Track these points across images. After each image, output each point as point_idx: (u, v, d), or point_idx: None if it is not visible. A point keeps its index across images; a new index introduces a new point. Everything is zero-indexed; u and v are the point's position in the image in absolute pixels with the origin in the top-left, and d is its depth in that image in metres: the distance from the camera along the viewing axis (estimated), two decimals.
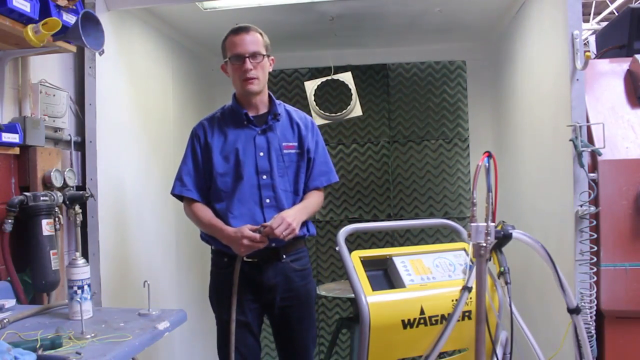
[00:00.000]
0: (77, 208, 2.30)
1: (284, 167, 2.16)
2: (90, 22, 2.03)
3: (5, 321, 1.66)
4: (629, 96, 2.21)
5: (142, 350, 1.56)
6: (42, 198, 2.07)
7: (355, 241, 3.70)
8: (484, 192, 1.57)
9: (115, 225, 2.53)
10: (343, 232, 1.89)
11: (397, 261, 1.90)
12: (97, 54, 2.26)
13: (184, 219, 2.28)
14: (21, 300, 2.00)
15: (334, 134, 3.77)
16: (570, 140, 1.99)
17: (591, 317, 1.97)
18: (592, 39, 3.14)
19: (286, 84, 3.77)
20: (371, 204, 3.74)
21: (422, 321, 1.76)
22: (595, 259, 1.99)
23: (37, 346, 1.41)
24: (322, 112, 3.39)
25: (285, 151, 2.17)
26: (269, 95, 2.23)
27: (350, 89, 3.39)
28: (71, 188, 2.30)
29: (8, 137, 1.98)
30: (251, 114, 2.18)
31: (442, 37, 3.59)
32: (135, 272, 2.66)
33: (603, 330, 2.04)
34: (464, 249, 1.99)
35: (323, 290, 3.18)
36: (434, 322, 1.77)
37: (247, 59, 2.10)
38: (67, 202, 2.25)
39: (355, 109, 3.40)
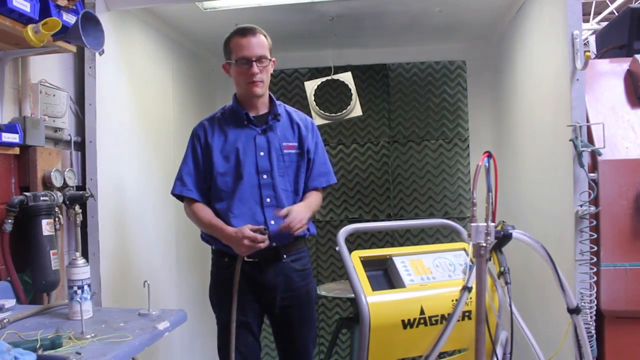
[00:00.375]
0: (77, 208, 2.30)
1: (284, 166, 2.17)
2: (90, 22, 2.03)
3: (5, 321, 1.66)
4: (629, 96, 2.21)
5: (142, 350, 1.56)
6: (42, 198, 2.07)
7: (355, 241, 3.70)
8: (484, 192, 1.57)
9: (115, 225, 2.53)
10: (343, 232, 1.89)
11: (397, 261, 1.90)
12: (97, 54, 2.26)
13: (184, 219, 2.28)
14: (21, 300, 2.00)
15: (334, 134, 3.77)
16: (570, 140, 1.99)
17: (591, 317, 1.97)
18: (592, 39, 3.14)
19: (286, 84, 3.77)
20: (371, 204, 3.74)
21: (422, 321, 1.76)
22: (595, 259, 1.99)
23: (37, 346, 1.41)
24: (322, 112, 3.39)
25: (285, 151, 2.18)
26: (269, 96, 2.24)
27: (350, 89, 3.39)
28: (71, 188, 2.29)
29: (8, 137, 1.98)
30: (252, 114, 2.18)
31: (442, 37, 3.59)
32: (135, 272, 2.66)
33: (603, 330, 2.04)
34: (464, 249, 1.99)
35: (323, 290, 3.18)
36: (434, 322, 1.77)
37: (254, 63, 2.10)
38: (67, 202, 2.25)
39: (355, 109, 3.40)
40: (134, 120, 2.75)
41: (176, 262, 3.17)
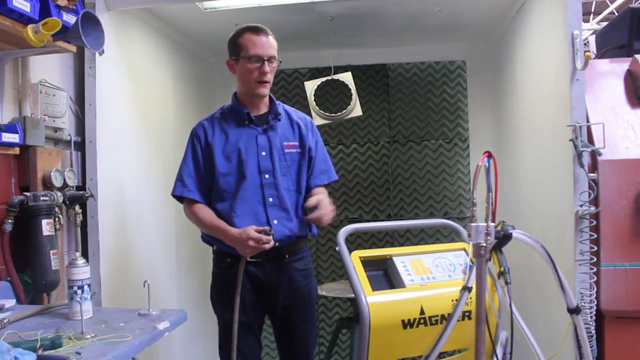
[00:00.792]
0: (77, 208, 2.30)
1: (286, 166, 2.17)
2: (90, 22, 2.03)
3: (5, 321, 1.66)
4: (629, 96, 2.21)
5: (142, 350, 1.56)
6: (42, 198, 2.07)
7: (355, 241, 3.70)
8: (484, 192, 1.57)
9: (115, 225, 2.53)
10: (343, 232, 1.89)
11: (397, 261, 1.90)
12: (97, 54, 2.26)
13: (184, 219, 2.28)
14: (21, 300, 2.00)
15: (334, 134, 3.77)
16: (570, 140, 1.99)
17: (591, 317, 1.97)
18: (592, 39, 3.14)
19: (286, 84, 3.77)
20: (371, 204, 3.74)
21: (422, 321, 1.76)
22: (595, 259, 1.99)
23: (37, 346, 1.41)
24: (322, 112, 3.39)
25: (286, 150, 2.18)
26: (269, 95, 2.23)
27: (350, 89, 3.39)
28: (71, 188, 2.29)
29: (8, 137, 1.98)
30: (252, 113, 2.18)
31: (442, 37, 3.59)
32: (135, 272, 2.66)
33: (603, 330, 2.04)
34: (464, 249, 1.99)
35: (323, 290, 3.18)
36: (434, 322, 1.77)
37: (266, 62, 2.10)
38: (67, 202, 2.25)
39: (355, 109, 3.40)
40: (134, 120, 2.75)
41: (176, 262, 3.17)
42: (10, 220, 1.98)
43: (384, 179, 3.73)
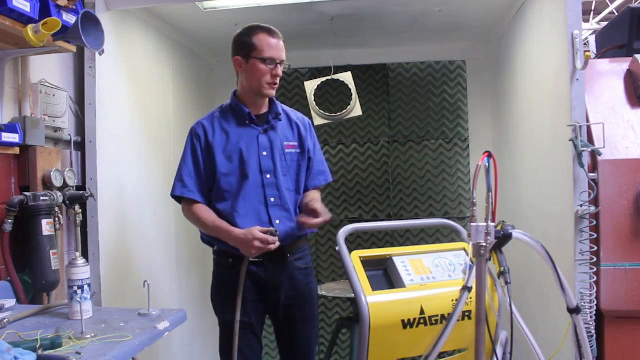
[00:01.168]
0: (77, 208, 2.30)
1: (287, 166, 2.17)
2: (90, 22, 2.03)
3: (5, 321, 1.66)
4: (629, 96, 2.21)
5: (142, 350, 1.56)
6: (42, 198, 2.07)
7: (355, 241, 3.70)
8: (484, 192, 1.57)
9: (115, 226, 2.53)
10: (343, 232, 1.89)
11: (397, 261, 1.90)
12: (97, 54, 2.26)
13: (184, 219, 2.27)
14: (21, 300, 2.00)
15: (334, 134, 3.77)
16: (570, 140, 1.99)
17: (591, 317, 1.97)
18: (592, 39, 3.14)
19: (286, 84, 3.77)
20: (371, 204, 3.74)
21: (422, 321, 1.76)
22: (595, 259, 1.99)
23: (37, 346, 1.41)
24: (322, 112, 3.39)
25: (287, 150, 2.18)
26: None
27: (350, 89, 3.39)
28: (71, 188, 2.29)
29: (8, 137, 1.98)
30: (253, 113, 2.17)
31: (442, 37, 3.59)
32: (135, 272, 2.66)
33: (603, 330, 2.04)
34: (464, 249, 1.99)
35: (323, 290, 3.18)
36: (434, 322, 1.77)
37: (279, 65, 2.10)
38: (67, 202, 2.25)
39: (355, 109, 3.40)
40: (134, 120, 2.75)
41: (176, 262, 3.17)
42: (10, 220, 1.98)
43: (384, 179, 3.73)
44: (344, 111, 3.39)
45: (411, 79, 3.73)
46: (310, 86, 3.41)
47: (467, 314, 1.80)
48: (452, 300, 1.77)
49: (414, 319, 1.75)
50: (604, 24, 4.64)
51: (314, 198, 2.19)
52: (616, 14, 5.78)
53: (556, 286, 1.68)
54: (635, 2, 6.08)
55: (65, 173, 2.27)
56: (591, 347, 1.79)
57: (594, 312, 1.98)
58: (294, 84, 3.78)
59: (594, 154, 2.02)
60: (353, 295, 1.78)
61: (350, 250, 1.86)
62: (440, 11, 3.00)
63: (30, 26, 1.81)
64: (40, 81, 2.23)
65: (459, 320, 1.76)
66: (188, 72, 3.44)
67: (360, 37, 3.51)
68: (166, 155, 3.04)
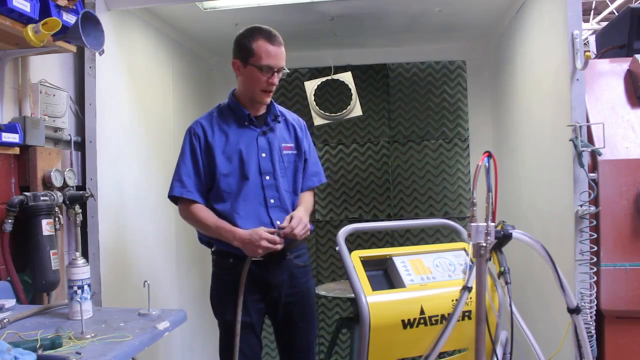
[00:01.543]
0: (77, 208, 2.30)
1: (284, 167, 2.18)
2: (90, 22, 2.03)
3: (5, 321, 1.66)
4: (629, 96, 2.21)
5: (142, 350, 1.56)
6: (42, 198, 2.07)
7: (355, 241, 3.70)
8: (484, 192, 1.57)
9: (115, 225, 2.53)
10: (343, 232, 1.89)
11: (397, 261, 1.90)
12: (97, 54, 2.26)
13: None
14: (21, 300, 2.00)
15: (334, 134, 3.77)
16: (570, 140, 1.99)
17: (591, 317, 1.97)
18: (592, 39, 3.13)
19: (286, 84, 3.77)
20: (371, 204, 3.74)
21: (422, 321, 1.76)
22: (595, 259, 1.99)
23: (37, 346, 1.41)
24: (322, 112, 3.39)
25: (284, 152, 2.19)
26: None
27: (350, 89, 3.39)
28: (71, 188, 2.30)
29: (8, 137, 1.98)
30: (252, 113, 2.17)
31: (442, 37, 3.59)
32: (135, 272, 2.66)
33: (603, 330, 2.04)
34: (464, 249, 1.99)
35: (323, 290, 3.18)
36: (434, 322, 1.77)
37: (276, 74, 2.08)
38: (67, 202, 2.25)
39: (355, 109, 3.40)
40: (134, 120, 2.75)
41: (176, 262, 3.17)
42: (10, 220, 1.98)
43: (384, 179, 3.73)
44: (344, 111, 3.39)
45: (411, 79, 3.73)
46: (310, 86, 3.41)
47: (467, 314, 1.80)
48: (452, 300, 1.77)
49: (414, 319, 1.75)
50: (604, 24, 4.64)
51: (302, 202, 2.21)
52: (616, 14, 5.78)
53: (556, 286, 1.68)
54: (635, 2, 6.08)
55: (65, 173, 2.27)
56: (591, 347, 1.79)
57: (594, 312, 1.98)
58: (294, 84, 3.78)
59: (594, 154, 2.02)
60: (353, 295, 1.77)
61: (350, 250, 1.86)
62: (440, 11, 3.00)
63: (30, 26, 1.81)
64: (40, 81, 2.23)
65: (459, 320, 1.76)
66: (188, 72, 3.44)
67: (360, 37, 3.51)
68: (166, 155, 3.04)
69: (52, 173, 2.16)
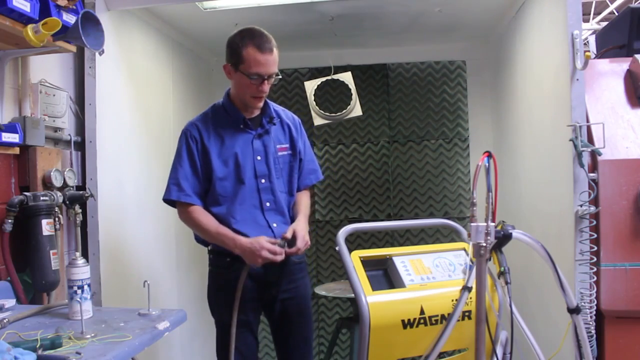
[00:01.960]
0: (77, 208, 2.31)
1: (280, 169, 2.17)
2: (90, 22, 2.03)
3: (5, 321, 1.66)
4: (629, 96, 2.21)
5: (142, 350, 1.56)
6: (42, 198, 2.07)
7: (355, 241, 3.70)
8: (484, 192, 1.57)
9: (115, 225, 2.53)
10: (343, 232, 1.89)
11: (397, 261, 1.90)
12: (97, 54, 2.26)
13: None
14: (21, 300, 2.00)
15: (334, 134, 3.77)
16: (570, 140, 1.99)
17: (591, 317, 1.97)
18: (592, 39, 3.14)
19: (286, 84, 3.77)
20: (371, 204, 3.74)
21: (422, 321, 1.76)
22: (595, 259, 1.99)
23: (37, 346, 1.41)
24: (322, 112, 3.39)
25: (279, 153, 2.17)
26: None
27: (350, 89, 3.39)
28: (71, 188, 2.30)
29: (8, 137, 1.98)
30: (246, 115, 2.16)
31: (442, 37, 3.59)
32: (135, 272, 2.66)
33: (603, 330, 2.04)
34: (464, 249, 1.99)
35: (323, 290, 3.18)
36: (434, 322, 1.77)
37: (266, 81, 2.05)
38: (67, 202, 2.25)
39: (355, 109, 3.40)
40: (134, 120, 2.75)
41: (176, 262, 3.17)
42: (10, 220, 1.98)
43: (384, 179, 3.73)
44: (344, 111, 3.40)
45: (411, 79, 3.73)
46: (310, 86, 3.41)
47: (467, 314, 1.80)
48: (452, 300, 1.77)
49: (414, 319, 1.75)
50: (604, 24, 4.64)
51: (298, 206, 2.20)
52: (616, 14, 5.78)
53: (556, 286, 1.68)
54: (635, 2, 6.08)
55: (65, 173, 2.27)
56: (591, 347, 1.79)
57: (594, 312, 1.98)
58: (294, 84, 3.78)
59: (594, 154, 2.02)
60: (353, 295, 1.77)
61: (350, 250, 1.86)
62: (440, 11, 3.00)
63: (30, 26, 1.81)
64: (40, 81, 2.23)
65: (459, 320, 1.76)
66: (188, 72, 3.44)
67: (360, 37, 3.51)
68: (166, 155, 3.04)
69: (52, 173, 2.16)
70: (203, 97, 3.65)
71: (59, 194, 2.20)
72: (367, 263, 1.86)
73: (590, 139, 2.04)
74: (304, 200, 2.25)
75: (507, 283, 1.61)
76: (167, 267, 3.06)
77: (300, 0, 2.70)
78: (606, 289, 2.00)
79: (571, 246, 2.02)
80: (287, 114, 2.28)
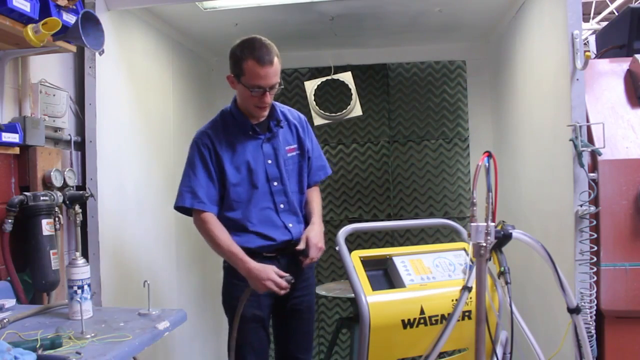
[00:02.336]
0: (77, 208, 2.30)
1: (290, 170, 2.20)
2: (90, 22, 2.03)
3: (5, 321, 1.66)
4: (629, 96, 2.21)
5: (142, 350, 1.56)
6: (42, 198, 2.07)
7: (355, 241, 3.70)
8: (484, 192, 1.57)
9: (115, 225, 2.53)
10: (343, 232, 1.89)
11: (397, 261, 1.90)
12: (97, 53, 2.26)
13: (184, 219, 2.26)
14: (21, 300, 2.00)
15: (334, 134, 3.77)
16: (570, 140, 1.99)
17: (591, 317, 1.97)
18: (592, 39, 3.14)
19: (286, 84, 3.77)
20: (371, 204, 3.74)
21: (422, 321, 1.76)
22: (595, 259, 1.99)
23: (37, 346, 1.41)
24: (322, 112, 3.39)
25: (288, 155, 2.21)
26: None
27: (350, 89, 3.39)
28: (71, 188, 2.29)
29: (8, 137, 1.98)
30: (253, 121, 2.17)
31: (442, 37, 3.59)
32: (135, 272, 2.66)
33: (603, 330, 2.04)
34: (464, 249, 1.99)
35: (323, 290, 3.18)
36: (434, 322, 1.77)
37: (267, 92, 2.06)
38: (67, 202, 2.25)
39: (355, 109, 3.41)
40: (134, 120, 2.75)
41: (176, 262, 3.17)
42: (10, 220, 1.98)
43: (384, 179, 3.73)
44: (344, 111, 3.40)
45: (411, 79, 3.73)
46: (310, 86, 3.41)
47: (467, 314, 1.80)
48: (452, 300, 1.77)
49: (414, 319, 1.75)
50: (604, 24, 4.63)
51: (311, 205, 2.23)
52: (616, 14, 5.78)
53: (556, 286, 1.68)
54: (635, 2, 6.08)
55: (65, 173, 2.27)
56: (591, 347, 1.79)
57: (594, 312, 1.98)
58: (294, 84, 3.78)
59: (594, 154, 2.02)
60: (353, 295, 1.78)
61: (350, 250, 1.86)
62: (440, 11, 3.00)
63: (30, 26, 1.81)
64: (40, 81, 2.23)
65: (459, 320, 1.76)
66: (188, 72, 3.44)
67: (360, 37, 3.51)
68: (166, 155, 3.04)
69: (52, 173, 2.16)
70: (203, 97, 3.65)
71: (59, 194, 2.19)
72: (367, 263, 1.86)
73: (590, 139, 2.04)
74: (315, 198, 2.29)
75: (507, 283, 1.61)
76: (167, 267, 3.06)
77: (300, 0, 2.70)
78: (606, 289, 2.00)
79: (571, 246, 2.02)
80: (293, 114, 2.30)
